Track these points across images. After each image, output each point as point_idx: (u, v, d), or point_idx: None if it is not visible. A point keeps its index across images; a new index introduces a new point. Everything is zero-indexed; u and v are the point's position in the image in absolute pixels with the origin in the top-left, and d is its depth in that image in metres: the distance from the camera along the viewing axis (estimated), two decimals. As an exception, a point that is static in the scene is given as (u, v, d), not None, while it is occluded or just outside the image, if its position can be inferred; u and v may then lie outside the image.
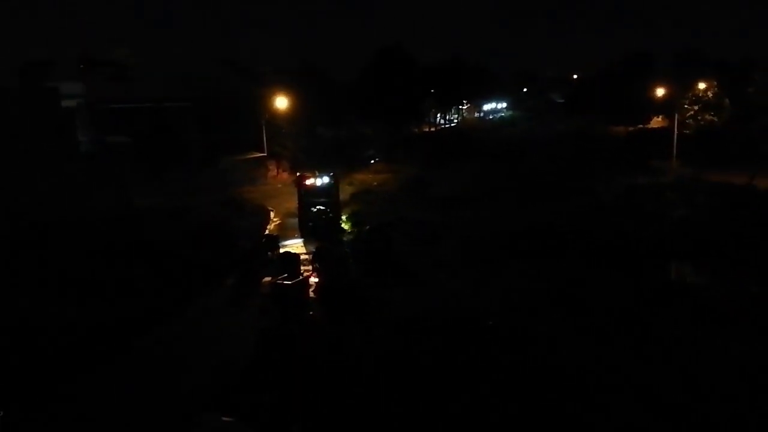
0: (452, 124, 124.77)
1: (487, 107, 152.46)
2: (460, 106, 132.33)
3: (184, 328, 23.52)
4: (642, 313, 22.27)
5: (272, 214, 45.67)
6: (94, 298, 24.34)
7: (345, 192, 47.15)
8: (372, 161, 70.30)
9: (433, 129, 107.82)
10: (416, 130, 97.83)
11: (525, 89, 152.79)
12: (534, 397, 16.30)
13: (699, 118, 73.88)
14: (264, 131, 61.38)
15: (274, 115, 61.51)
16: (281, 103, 60.08)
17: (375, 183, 56.72)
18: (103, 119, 53.35)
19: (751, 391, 16.41)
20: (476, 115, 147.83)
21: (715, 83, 74.75)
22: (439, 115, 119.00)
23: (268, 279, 28.26)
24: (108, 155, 44.47)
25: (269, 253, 33.13)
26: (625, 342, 19.74)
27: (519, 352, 19.02)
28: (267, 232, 40.46)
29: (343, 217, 41.06)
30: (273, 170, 62.28)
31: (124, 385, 18.60)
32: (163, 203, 43.68)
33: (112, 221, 35.60)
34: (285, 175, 61.01)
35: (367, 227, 37.88)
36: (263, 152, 62.03)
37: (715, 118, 74.29)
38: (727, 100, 75.04)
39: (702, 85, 74.11)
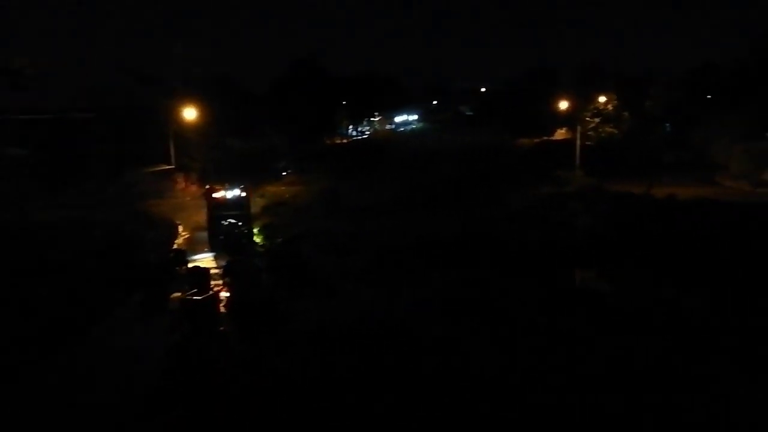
0: (364, 136, 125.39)
1: (398, 119, 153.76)
2: (372, 118, 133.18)
3: (88, 348, 22.58)
4: (551, 318, 22.89)
5: (180, 228, 44.62)
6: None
7: (257, 204, 46.59)
8: (284, 173, 69.77)
9: (345, 140, 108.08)
10: (329, 141, 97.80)
11: (435, 101, 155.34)
12: (449, 402, 16.49)
13: (600, 130, 77.02)
14: (172, 143, 59.91)
15: (182, 126, 60.06)
16: (190, 114, 58.63)
17: (287, 195, 56.32)
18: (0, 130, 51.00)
19: (649, 387, 17.10)
20: (388, 126, 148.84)
21: (615, 97, 78.19)
22: (351, 126, 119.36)
23: (177, 295, 27.55)
24: (3, 168, 42.44)
25: (178, 268, 32.35)
26: (535, 346, 20.21)
27: (433, 360, 19.19)
28: (175, 246, 39.47)
29: (255, 230, 40.53)
30: (181, 183, 60.75)
31: (18, 410, 17.62)
32: (65, 217, 41.82)
33: (6, 237, 33.93)
34: (194, 188, 59.62)
35: (280, 240, 37.59)
36: (171, 164, 60.51)
37: (615, 130, 77.63)
38: (626, 113, 78.58)
39: (602, 99, 77.31)
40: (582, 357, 19.33)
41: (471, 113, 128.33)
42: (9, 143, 50.43)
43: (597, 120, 77.01)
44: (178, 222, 46.04)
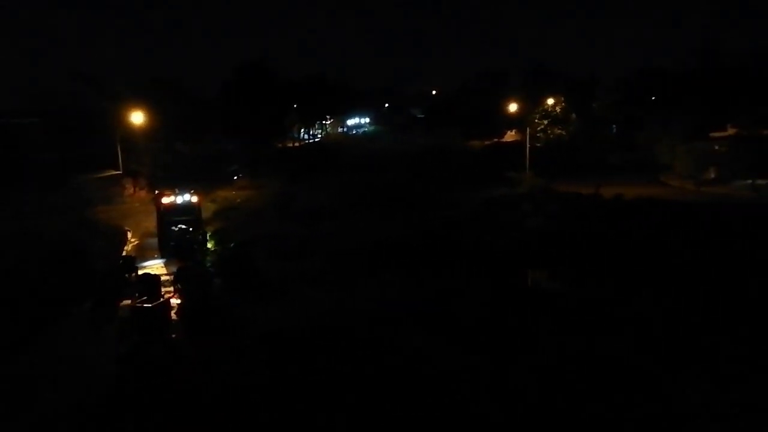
0: (316, 139, 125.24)
1: (350, 122, 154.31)
2: (324, 122, 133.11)
3: (34, 359, 21.94)
4: (504, 319, 23.16)
5: (129, 235, 43.82)
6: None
7: (208, 209, 46.10)
8: (235, 177, 69.20)
9: (297, 144, 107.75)
10: (280, 145, 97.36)
11: (387, 104, 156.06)
12: (404, 405, 16.56)
13: (549, 131, 78.52)
14: (119, 148, 58.84)
15: (130, 130, 59.03)
16: (138, 118, 57.63)
17: (239, 200, 55.84)
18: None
19: (603, 385, 17.47)
20: (340, 130, 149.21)
21: (563, 99, 79.74)
22: (303, 130, 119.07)
23: (127, 302, 27.04)
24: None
25: (127, 275, 31.77)
26: (489, 346, 20.43)
27: (386, 361, 19.26)
28: (124, 253, 38.73)
29: (206, 236, 40.05)
30: (129, 188, 59.73)
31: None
32: (7, 226, 40.52)
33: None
34: (143, 194, 58.70)
35: (232, 245, 37.23)
36: (119, 170, 59.41)
37: (563, 132, 79.21)
38: (573, 115, 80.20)
39: (551, 101, 78.81)
40: (536, 355, 19.64)
41: (423, 116, 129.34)
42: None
43: (546, 122, 78.53)
44: (127, 228, 45.21)
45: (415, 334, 21.78)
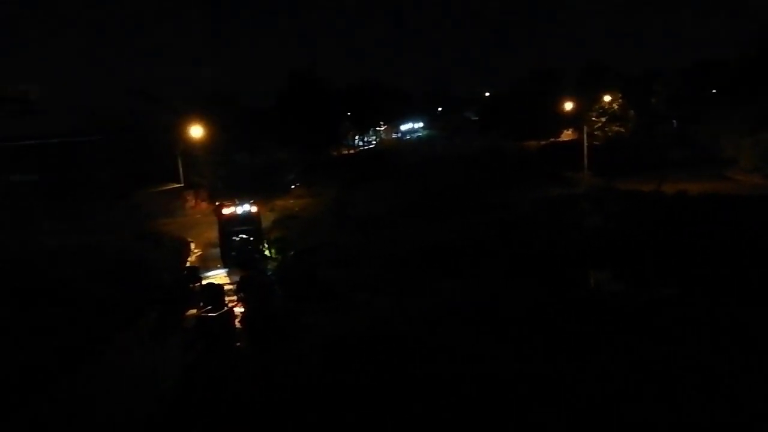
0: (371, 146, 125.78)
1: (404, 127, 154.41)
2: (378, 128, 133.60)
3: (101, 370, 22.64)
4: (566, 322, 22.75)
5: (192, 246, 44.82)
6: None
7: (267, 219, 46.78)
8: (292, 186, 70.05)
9: (352, 151, 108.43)
10: (335, 153, 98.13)
11: (440, 108, 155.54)
12: (467, 412, 16.43)
13: (606, 129, 77.05)
14: (180, 161, 60.28)
15: (189, 144, 60.45)
16: (196, 132, 58.97)
17: (296, 208, 56.54)
18: (8, 157, 51.38)
19: (666, 393, 16.99)
20: (394, 135, 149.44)
21: (620, 95, 78.16)
22: (357, 137, 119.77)
23: (191, 312, 27.67)
24: (11, 194, 42.74)
25: (191, 285, 32.48)
26: (552, 351, 20.09)
27: (447, 367, 19.13)
28: (188, 264, 39.63)
29: (266, 245, 40.67)
30: (191, 201, 61.24)
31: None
32: (74, 241, 41.91)
33: (17, 262, 34.07)
34: (204, 205, 60.06)
35: (292, 253, 37.67)
36: (180, 183, 60.86)
37: (622, 129, 77.66)
38: (632, 111, 78.55)
39: (608, 98, 77.31)
40: (606, 362, 19.16)
41: (476, 118, 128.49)
42: (16, 169, 50.81)
43: (603, 119, 77.07)
44: (189, 240, 46.26)
45: (475, 341, 21.59)
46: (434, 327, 23.11)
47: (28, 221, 42.55)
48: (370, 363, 19.76)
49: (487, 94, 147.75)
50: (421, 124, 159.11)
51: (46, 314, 26.15)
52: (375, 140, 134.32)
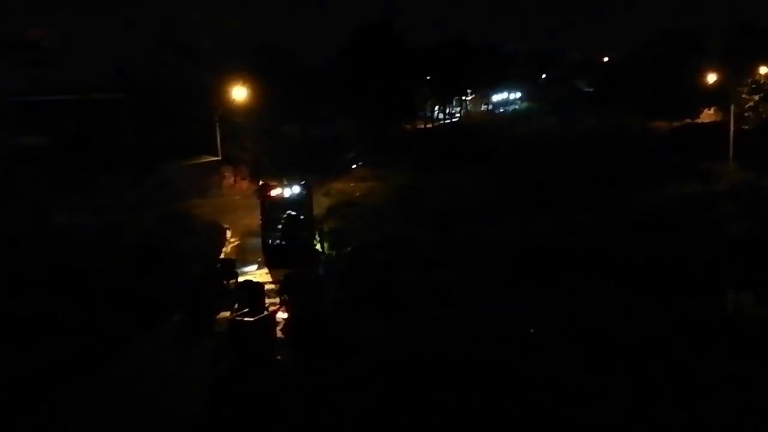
0: (454, 119, 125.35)
1: (496, 98, 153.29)
2: (464, 97, 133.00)
3: (117, 378, 23.22)
4: (690, 356, 22.22)
5: (229, 233, 45.55)
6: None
7: (320, 205, 47.14)
8: (354, 166, 70.37)
9: (429, 125, 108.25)
10: (409, 126, 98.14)
11: (544, 75, 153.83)
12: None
13: (761, 110, 74.61)
14: (218, 130, 60.96)
15: (230, 109, 61.03)
16: (239, 94, 59.50)
17: (357, 193, 56.69)
18: (15, 115, 52.94)
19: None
20: (483, 107, 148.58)
21: (781, 66, 75.58)
22: (437, 108, 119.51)
23: (224, 314, 28.10)
24: (20, 160, 44.12)
25: (225, 281, 32.99)
26: (664, 391, 19.67)
27: (549, 406, 18.88)
28: (222, 255, 40.30)
29: (318, 237, 41.00)
30: (229, 178, 62.15)
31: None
32: (92, 221, 43.11)
33: (24, 244, 35.25)
34: (244, 185, 60.96)
35: (349, 248, 37.85)
36: (217, 156, 61.59)
37: (781, 110, 75.13)
38: (796, 88, 75.93)
39: (764, 70, 74.84)
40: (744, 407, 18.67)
41: (590, 90, 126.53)
42: (26, 130, 52.17)
43: (757, 97, 74.57)
44: (225, 226, 47.00)
45: (571, 370, 21.29)
46: (529, 350, 22.86)
47: (36, 194, 43.84)
48: (450, 393, 19.44)
49: (606, 59, 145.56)
50: (518, 95, 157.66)
51: (52, 308, 26.95)
52: (459, 112, 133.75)
